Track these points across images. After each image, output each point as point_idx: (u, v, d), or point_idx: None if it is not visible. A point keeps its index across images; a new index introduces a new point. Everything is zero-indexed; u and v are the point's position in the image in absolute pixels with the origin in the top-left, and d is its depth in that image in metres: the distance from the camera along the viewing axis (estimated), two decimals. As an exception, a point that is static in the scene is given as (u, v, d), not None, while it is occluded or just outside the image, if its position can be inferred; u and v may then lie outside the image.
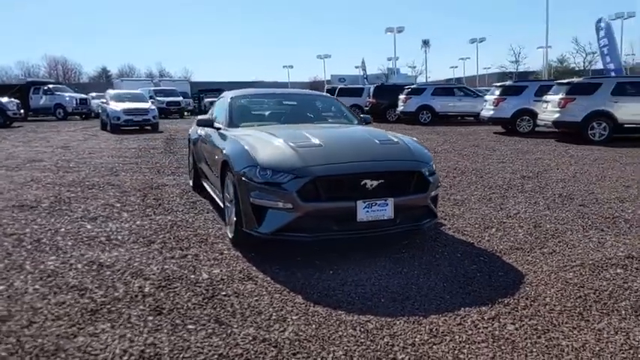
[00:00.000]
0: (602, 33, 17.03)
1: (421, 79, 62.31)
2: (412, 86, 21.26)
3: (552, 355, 2.48)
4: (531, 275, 3.59)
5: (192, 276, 3.55)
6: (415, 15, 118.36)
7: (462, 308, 3.03)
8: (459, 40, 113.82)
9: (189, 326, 2.79)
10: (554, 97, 12.99)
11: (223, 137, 4.82)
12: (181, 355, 2.48)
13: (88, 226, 4.89)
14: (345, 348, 2.56)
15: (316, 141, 4.09)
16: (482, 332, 2.73)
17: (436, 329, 2.77)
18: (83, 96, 27.64)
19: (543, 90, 14.63)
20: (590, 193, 6.39)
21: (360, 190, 3.74)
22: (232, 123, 5.06)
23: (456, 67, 77.19)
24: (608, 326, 2.78)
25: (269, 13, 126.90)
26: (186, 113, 30.40)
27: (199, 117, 5.35)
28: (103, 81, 70.74)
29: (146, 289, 3.30)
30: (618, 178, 7.52)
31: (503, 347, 2.56)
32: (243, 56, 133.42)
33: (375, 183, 3.76)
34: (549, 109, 13.13)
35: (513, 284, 3.43)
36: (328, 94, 6.84)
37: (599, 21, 17.17)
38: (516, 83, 16.62)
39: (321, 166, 3.73)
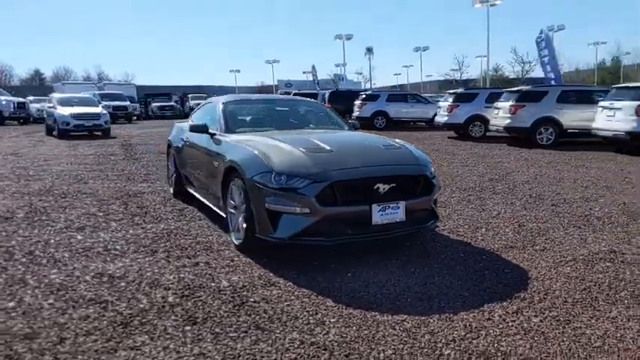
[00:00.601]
0: (542, 44, 18.29)
1: (367, 86, 63.60)
2: (367, 92, 21.74)
3: (582, 343, 2.69)
4: (534, 271, 3.84)
5: (213, 284, 3.51)
6: (363, 23, 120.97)
7: (485, 304, 3.21)
8: (405, 48, 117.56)
9: (232, 334, 2.77)
10: (505, 104, 13.77)
11: (221, 143, 4.77)
12: (235, 363, 2.48)
13: (79, 237, 4.68)
14: (393, 347, 2.65)
15: (326, 146, 4.16)
16: (512, 326, 2.90)
17: (469, 325, 2.92)
18: (21, 100, 26.01)
19: (493, 97, 15.47)
20: (556, 194, 6.86)
21: (373, 194, 3.86)
22: (229, 129, 5.02)
23: (400, 74, 79.46)
24: (620, 315, 3.05)
25: (215, 16, 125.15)
26: (134, 118, 29.34)
27: (190, 123, 5.25)
28: (37, 84, 66.74)
29: (170, 299, 3.23)
30: (574, 179, 8.11)
31: (536, 338, 2.75)
32: (189, 60, 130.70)
33: (387, 187, 3.89)
34: (501, 115, 13.89)
35: (521, 280, 3.66)
36: (315, 101, 6.91)
37: (541, 32, 18.47)
38: (468, 91, 17.45)
39: (338, 171, 3.81)
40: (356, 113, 20.75)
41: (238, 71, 75.06)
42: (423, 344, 2.68)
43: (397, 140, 4.80)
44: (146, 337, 2.73)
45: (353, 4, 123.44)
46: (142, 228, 5.02)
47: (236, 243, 4.31)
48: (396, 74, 76.33)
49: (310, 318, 2.99)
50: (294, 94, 25.18)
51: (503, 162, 10.39)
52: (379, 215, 3.82)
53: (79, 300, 3.22)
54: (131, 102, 29.69)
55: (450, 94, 16.91)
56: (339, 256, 4.05)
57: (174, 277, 3.62)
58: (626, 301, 3.26)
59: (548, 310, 3.12)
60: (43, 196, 6.60)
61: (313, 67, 44.30)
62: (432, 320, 2.97)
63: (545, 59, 18.13)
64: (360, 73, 69.62)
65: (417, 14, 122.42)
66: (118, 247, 4.38)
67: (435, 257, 4.15)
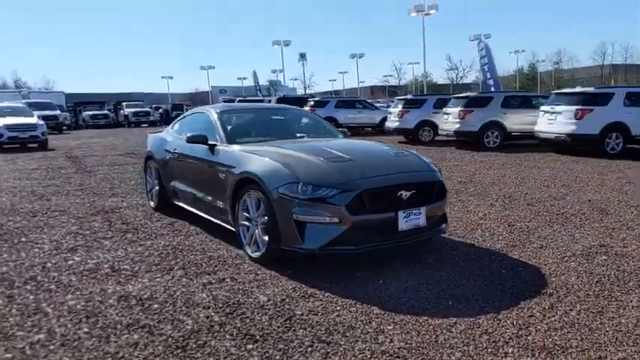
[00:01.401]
0: (483, 52, 19.46)
1: (304, 92, 63.98)
2: (316, 99, 21.94)
3: (624, 332, 2.92)
4: (544, 268, 4.10)
5: (250, 299, 3.42)
6: (302, 29, 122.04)
7: (520, 302, 3.38)
8: (342, 55, 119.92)
9: (299, 349, 2.73)
10: (454, 110, 14.47)
11: (226, 154, 4.66)
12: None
13: (76, 258, 4.37)
14: (459, 350, 2.73)
15: (345, 155, 4.21)
16: (555, 320, 3.09)
17: (517, 322, 3.07)
18: None
19: (440, 103, 16.21)
20: (525, 194, 7.33)
21: (397, 201, 3.95)
22: (230, 139, 4.91)
23: (335, 80, 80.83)
24: (641, 303, 3.35)
25: (144, 22, 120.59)
26: (64, 128, 27.54)
27: (189, 135, 5.06)
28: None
29: (216, 318, 3.12)
30: (534, 179, 8.69)
31: (582, 330, 2.95)
32: (115, 66, 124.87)
33: (408, 193, 3.99)
34: (450, 120, 14.58)
35: (538, 277, 3.89)
36: (304, 109, 6.88)
37: (480, 41, 19.64)
38: (417, 97, 18.13)
39: (367, 179, 3.87)
40: (305, 120, 20.85)
41: (171, 78, 72.89)
42: (485, 345, 2.79)
43: (404, 148, 4.93)
44: (212, 359, 2.63)
45: (291, 11, 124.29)
46: (141, 245, 4.77)
47: (253, 256, 4.22)
48: (331, 80, 77.46)
49: (367, 327, 3.00)
50: (239, 102, 24.95)
51: (461, 165, 10.91)
52: (404, 221, 3.92)
53: (117, 326, 3.02)
54: (61, 111, 27.89)
55: (399, 100, 17.49)
56: (360, 265, 4.08)
57: (207, 295, 3.49)
58: (637, 291, 3.57)
59: (577, 303, 3.35)
60: (10, 215, 6.07)
61: (255, 73, 44.00)
62: (481, 321, 3.09)
63: (486, 67, 19.31)
64: (295, 79, 69.93)
65: (354, 22, 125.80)
66: (126, 266, 4.14)
67: (450, 260, 4.30)
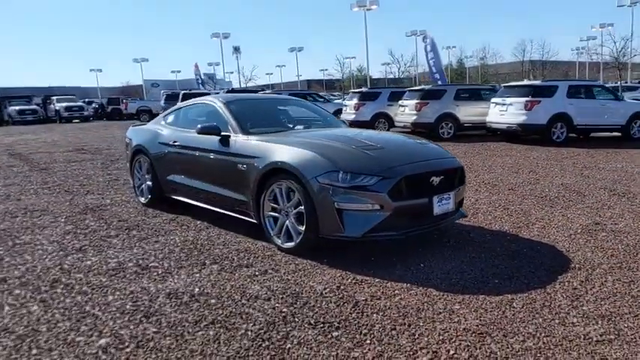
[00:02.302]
0: (429, 48, 20.17)
1: (239, 85, 62.90)
2: (267, 92, 21.66)
3: (662, 297, 3.23)
4: (559, 245, 4.39)
5: (307, 289, 3.39)
6: (241, 22, 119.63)
7: (558, 277, 3.60)
8: (281, 48, 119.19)
9: (385, 332, 2.76)
10: (410, 102, 14.93)
11: (245, 146, 4.54)
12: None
13: (93, 258, 4.10)
14: (531, 323, 2.89)
15: (375, 144, 4.25)
16: (598, 291, 3.34)
17: (566, 295, 3.27)
18: None
19: (394, 96, 16.66)
20: (500, 180, 7.75)
21: (430, 186, 4.06)
22: (244, 130, 4.78)
23: (272, 73, 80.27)
24: (661, 272, 3.69)
25: (69, 11, 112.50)
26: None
27: (201, 126, 4.85)
28: None
29: (284, 309, 3.07)
30: (501, 166, 9.20)
31: (626, 298, 3.20)
32: (36, 58, 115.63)
33: (438, 179, 4.12)
34: (407, 112, 15.03)
35: (558, 254, 4.16)
36: (301, 100, 6.78)
37: (425, 37, 20.33)
38: (372, 90, 18.45)
39: (404, 166, 3.94)
40: (256, 113, 20.57)
41: (100, 70, 68.85)
42: (550, 317, 2.96)
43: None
44: (305, 349, 2.59)
45: (230, 3, 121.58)
46: (156, 242, 4.55)
47: (284, 247, 4.17)
48: (268, 73, 76.75)
49: (435, 308, 3.09)
50: (184, 95, 24.13)
51: (426, 154, 11.29)
52: (438, 206, 4.04)
53: (184, 323, 2.88)
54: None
55: (354, 93, 17.75)
56: (390, 251, 4.17)
57: (260, 287, 3.41)
58: (649, 261, 3.94)
59: (607, 274, 3.63)
60: (-14, 217, 5.54)
61: (196, 66, 42.48)
62: (534, 296, 3.27)
63: (432, 62, 20.04)
64: (231, 72, 68.59)
65: (295, 16, 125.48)
66: (153, 264, 3.94)
67: (471, 243, 4.49)
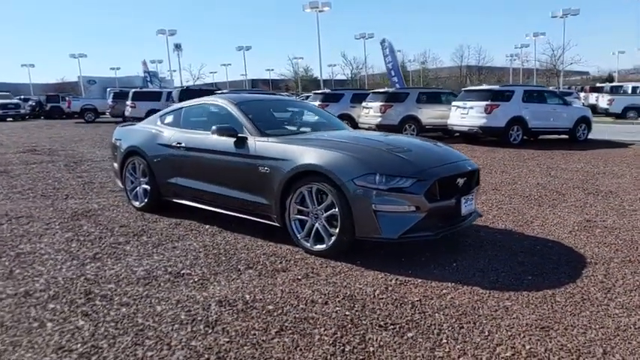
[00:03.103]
0: (387, 51, 20.60)
1: (180, 83, 61.12)
2: (225, 91, 21.23)
3: (681, 287, 3.54)
4: (565, 241, 4.66)
5: (357, 292, 3.40)
6: (189, 19, 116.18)
7: (580, 271, 3.83)
8: (229, 47, 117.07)
9: (456, 331, 2.83)
10: (374, 104, 15.23)
11: (266, 147, 4.46)
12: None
13: (116, 267, 3.88)
14: (582, 315, 3.06)
15: (401, 146, 4.33)
16: (624, 283, 3.58)
17: (597, 287, 3.50)
18: None
19: (356, 98, 16.93)
20: (482, 180, 8.10)
21: (456, 187, 4.19)
22: (261, 132, 4.70)
23: (216, 72, 78.67)
24: (668, 264, 4.04)
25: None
26: None
27: (216, 127, 4.71)
28: None
29: (346, 312, 3.06)
30: (473, 167, 9.61)
31: (651, 289, 3.50)
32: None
33: (462, 181, 4.27)
34: (371, 114, 15.32)
35: (569, 250, 4.43)
36: (305, 102, 6.70)
37: (384, 41, 20.77)
38: (335, 92, 18.59)
39: (436, 169, 4.04)
40: (214, 113, 20.15)
41: (32, 66, 64.42)
42: (594, 309, 3.16)
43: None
44: (389, 351, 2.61)
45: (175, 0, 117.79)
46: (174, 248, 4.37)
47: (314, 249, 4.15)
48: (212, 72, 75.02)
49: (489, 305, 3.20)
50: (134, 93, 23.22)
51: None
52: (464, 206, 4.19)
53: (254, 332, 2.81)
54: None
55: (316, 94, 17.82)
56: (417, 251, 4.26)
57: (311, 291, 3.38)
58: (652, 255, 4.30)
59: (624, 268, 3.91)
60: (-34, 225, 5.07)
61: (145, 64, 40.69)
62: (571, 290, 3.46)
63: (390, 65, 20.50)
64: (174, 70, 66.57)
65: (244, 14, 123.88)
66: (185, 271, 3.79)
67: (486, 241, 4.67)
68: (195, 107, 5.65)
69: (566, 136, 14.42)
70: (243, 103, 5.10)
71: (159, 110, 21.55)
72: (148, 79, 39.34)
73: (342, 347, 2.64)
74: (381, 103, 14.95)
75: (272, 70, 77.29)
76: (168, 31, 39.88)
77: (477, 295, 3.37)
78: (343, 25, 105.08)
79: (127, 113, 22.80)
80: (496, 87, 14.30)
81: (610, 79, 59.88)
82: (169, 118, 5.76)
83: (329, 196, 4.01)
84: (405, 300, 3.27)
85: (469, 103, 13.69)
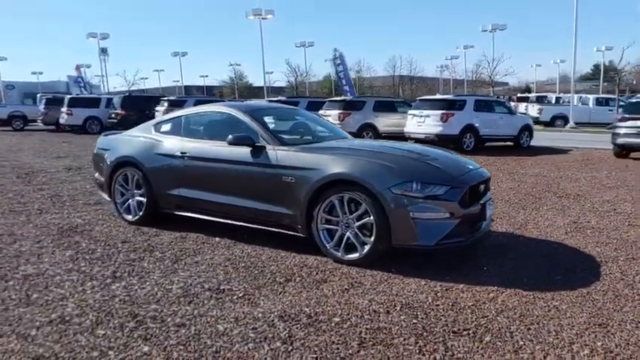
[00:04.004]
0: (338, 60, 20.90)
1: (106, 89, 58.24)
2: (171, 99, 20.53)
3: (691, 280, 3.88)
4: (567, 242, 4.95)
5: (411, 299, 3.41)
6: (119, 23, 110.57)
7: (600, 270, 4.09)
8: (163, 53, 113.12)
9: (524, 333, 2.93)
10: (333, 112, 15.40)
11: (289, 157, 4.37)
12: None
13: (146, 286, 3.61)
14: (624, 311, 3.27)
15: (427, 155, 4.42)
16: (641, 279, 3.90)
17: (623, 283, 3.75)
18: None
19: (312, 105, 16.99)
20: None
21: (479, 194, 4.34)
22: (281, 141, 4.61)
23: (147, 78, 75.66)
24: (667, 260, 4.41)
25: None
26: None
27: (233, 136, 4.54)
28: None
29: (414, 321, 3.06)
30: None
31: (667, 284, 3.81)
32: None
33: (483, 187, 4.43)
34: (330, 122, 15.44)
35: (575, 250, 4.70)
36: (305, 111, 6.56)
37: (335, 50, 21.10)
38: (290, 99, 18.53)
39: (465, 176, 4.16)
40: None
41: None
42: (633, 303, 3.40)
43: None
44: (477, 356, 2.65)
45: (107, 4, 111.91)
46: (195, 263, 4.16)
47: (345, 259, 4.11)
48: (143, 78, 71.93)
49: (541, 305, 3.33)
50: (71, 100, 21.90)
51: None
52: (487, 211, 4.34)
53: (337, 346, 2.73)
54: None
55: (270, 102, 17.68)
56: (441, 257, 4.35)
57: (367, 301, 3.35)
58: (647, 252, 4.68)
59: (633, 265, 4.23)
60: (-58, 246, 4.50)
61: (78, 68, 38.07)
62: (602, 287, 3.68)
63: (341, 74, 20.82)
64: (102, 76, 63.37)
65: (181, 20, 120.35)
66: (224, 286, 3.61)
67: (498, 246, 4.86)
68: (198, 116, 5.43)
69: (511, 143, 15.36)
70: (255, 112, 4.97)
71: (98, 118, 20.40)
72: (82, 84, 36.95)
73: (432, 356, 2.64)
74: (340, 111, 15.15)
75: (206, 76, 75.64)
76: (100, 35, 37.70)
77: (522, 296, 3.50)
78: (281, 34, 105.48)
79: (62, 121, 21.39)
80: (450, 97, 14.97)
81: (528, 89, 64.63)
82: (166, 127, 5.48)
83: (363, 204, 4.00)
84: (461, 305, 3.33)
85: (425, 112, 14.21)
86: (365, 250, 4.04)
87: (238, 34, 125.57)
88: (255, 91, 77.90)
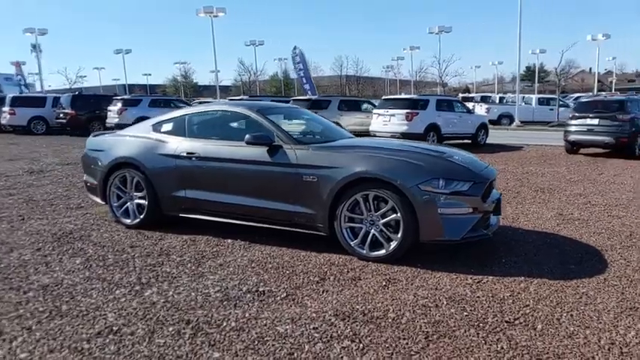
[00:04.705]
0: (297, 59, 20.82)
1: (43, 87, 54.97)
2: (126, 97, 19.67)
3: (686, 264, 4.24)
4: (562, 232, 5.25)
5: (454, 293, 3.50)
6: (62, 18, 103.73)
7: (605, 257, 4.37)
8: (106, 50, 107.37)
9: (583, 319, 3.09)
10: (298, 111, 15.39)
11: (309, 156, 4.36)
12: None
13: (182, 292, 3.48)
14: (645, 294, 3.55)
15: (443, 152, 4.54)
16: (644, 265, 4.21)
17: (635, 269, 4.04)
18: None
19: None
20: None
21: (492, 189, 4.52)
22: (297, 140, 4.58)
23: (85, 76, 71.93)
24: (658, 246, 4.79)
25: None
26: None
27: (251, 135, 4.46)
28: None
29: (466, 313, 3.15)
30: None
31: (668, 268, 4.14)
32: None
33: (494, 183, 4.62)
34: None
35: (575, 241, 5.00)
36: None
37: (295, 48, 20.94)
38: (253, 97, 18.25)
39: (483, 172, 4.32)
40: (114, 120, 18.54)
41: None
42: (646, 288, 3.68)
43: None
44: (539, 343, 2.77)
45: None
46: (220, 266, 4.05)
47: (371, 256, 4.15)
48: (81, 76, 68.03)
49: (571, 293, 3.52)
50: (13, 99, 20.53)
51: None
52: (500, 206, 4.54)
53: (401, 341, 2.77)
54: None
55: (231, 100, 17.41)
56: (456, 251, 4.50)
57: (412, 297, 3.40)
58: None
59: (630, 252, 4.54)
60: None
61: (18, 65, 35.36)
62: (617, 274, 3.95)
63: (301, 72, 20.75)
64: (37, 73, 59.59)
65: (123, 19, 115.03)
66: (262, 289, 3.55)
67: (506, 240, 5.08)
68: (203, 115, 5.27)
69: (469, 141, 16.01)
70: (266, 111, 4.90)
71: (44, 118, 19.24)
72: (23, 82, 34.41)
73: (498, 345, 2.73)
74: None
75: (150, 75, 73.09)
76: (38, 30, 35.23)
77: (551, 285, 3.69)
78: (226, 32, 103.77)
79: (3, 121, 19.97)
80: (414, 96, 15.38)
81: (467, 90, 67.47)
82: (168, 127, 5.27)
83: (389, 201, 4.06)
84: (499, 296, 3.46)
85: (391, 111, 14.52)
86: (391, 247, 4.10)
87: (184, 32, 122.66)
88: (200, 90, 76.27)
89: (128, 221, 5.24)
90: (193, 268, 3.99)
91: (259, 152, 4.54)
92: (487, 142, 16.34)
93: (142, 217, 5.16)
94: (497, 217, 4.72)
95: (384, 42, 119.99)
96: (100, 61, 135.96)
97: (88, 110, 19.55)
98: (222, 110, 5.20)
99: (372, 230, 4.17)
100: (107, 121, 18.84)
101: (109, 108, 18.86)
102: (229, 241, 4.75)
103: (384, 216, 4.11)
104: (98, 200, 5.54)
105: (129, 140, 5.34)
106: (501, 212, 4.58)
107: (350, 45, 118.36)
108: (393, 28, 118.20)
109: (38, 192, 7.35)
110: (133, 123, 18.07)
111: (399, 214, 4.03)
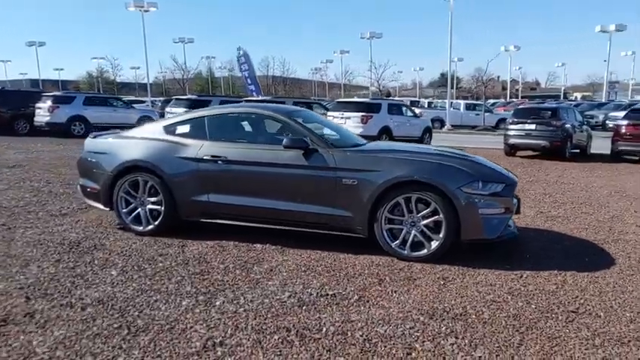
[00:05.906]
0: (242, 59, 20.43)
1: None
2: (57, 94, 18.16)
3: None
4: (555, 228, 5.76)
5: (510, 289, 3.73)
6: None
7: (608, 251, 4.86)
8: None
9: (626, 306, 3.44)
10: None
11: (346, 159, 4.42)
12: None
13: (252, 299, 3.39)
14: (661, 282, 4.02)
15: (469, 157, 4.80)
16: (642, 256, 4.75)
17: (636, 259, 4.55)
18: None
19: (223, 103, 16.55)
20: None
21: (511, 191, 4.87)
22: (332, 144, 4.61)
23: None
24: (641, 239, 5.40)
25: None
26: None
27: (288, 139, 4.41)
28: None
29: (534, 307, 3.39)
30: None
31: (662, 258, 4.70)
32: None
33: (507, 182, 4.98)
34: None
35: (570, 237, 5.50)
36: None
37: (239, 49, 20.53)
38: (201, 97, 17.62)
39: (509, 175, 4.64)
40: (45, 118, 17.12)
41: None
42: (657, 276, 4.17)
43: None
44: (613, 329, 3.06)
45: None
46: (271, 270, 3.99)
47: (412, 256, 4.29)
48: (21, 73, 61.59)
49: (603, 284, 3.89)
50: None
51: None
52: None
53: (479, 336, 2.94)
54: None
55: (178, 99, 16.74)
56: (478, 249, 4.78)
57: (478, 293, 3.59)
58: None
59: (624, 244, 5.09)
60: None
61: None
62: (630, 264, 4.41)
63: (246, 73, 20.41)
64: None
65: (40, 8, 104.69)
66: (331, 292, 3.56)
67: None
68: (224, 117, 5.09)
69: (416, 144, 16.78)
70: (295, 114, 4.88)
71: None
72: None
73: (583, 333, 2.99)
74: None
75: (62, 69, 67.90)
76: None
77: (583, 277, 4.05)
78: (151, 28, 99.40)
79: None
80: (368, 100, 15.83)
81: (388, 94, 70.23)
82: (184, 129, 5.04)
83: (432, 203, 4.23)
84: (547, 289, 3.75)
85: (346, 114, 14.80)
86: (432, 247, 4.27)
87: (104, 26, 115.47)
88: (119, 87, 72.29)
89: (140, 228, 4.94)
90: (244, 274, 3.89)
91: (295, 155, 4.51)
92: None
93: (157, 223, 4.89)
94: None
95: (316, 46, 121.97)
96: (6, 53, 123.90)
97: (12, 107, 17.83)
98: (248, 113, 5.09)
99: (413, 231, 4.32)
100: (35, 119, 17.33)
101: (37, 105, 17.34)
102: (259, 245, 4.66)
103: (424, 217, 4.28)
104: (99, 206, 5.16)
105: (140, 143, 5.03)
106: (520, 212, 4.93)
107: (276, 46, 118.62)
108: (326, 33, 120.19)
109: (2, 198, 6.65)
110: (67, 122, 17.13)
111: (441, 215, 4.22)
